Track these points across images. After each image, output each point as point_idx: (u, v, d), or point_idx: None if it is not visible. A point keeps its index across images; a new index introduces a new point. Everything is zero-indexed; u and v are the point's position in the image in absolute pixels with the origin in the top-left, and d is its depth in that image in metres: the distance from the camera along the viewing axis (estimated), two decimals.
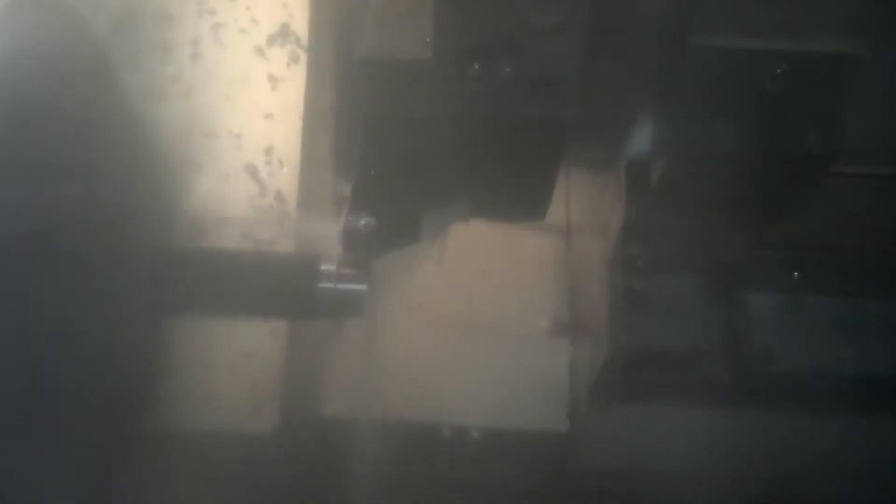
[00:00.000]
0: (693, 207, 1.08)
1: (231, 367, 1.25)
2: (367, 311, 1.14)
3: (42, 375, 0.97)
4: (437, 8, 0.94)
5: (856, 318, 1.14)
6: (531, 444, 1.37)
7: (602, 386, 1.23)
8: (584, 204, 1.39)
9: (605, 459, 1.36)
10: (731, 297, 1.14)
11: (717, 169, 1.04)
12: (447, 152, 1.01)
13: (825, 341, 1.13)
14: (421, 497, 1.35)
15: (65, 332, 1.00)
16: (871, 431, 1.27)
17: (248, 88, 1.31)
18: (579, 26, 0.94)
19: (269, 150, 1.30)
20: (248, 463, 1.23)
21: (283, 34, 1.33)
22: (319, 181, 1.28)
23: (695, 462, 1.31)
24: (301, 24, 1.34)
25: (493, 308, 1.41)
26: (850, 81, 0.97)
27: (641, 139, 1.05)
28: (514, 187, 1.09)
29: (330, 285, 1.12)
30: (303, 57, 1.33)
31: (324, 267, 1.12)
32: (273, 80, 1.32)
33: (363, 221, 1.07)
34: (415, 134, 0.99)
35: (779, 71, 0.96)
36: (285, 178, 1.30)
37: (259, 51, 1.32)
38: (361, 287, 1.13)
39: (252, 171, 1.29)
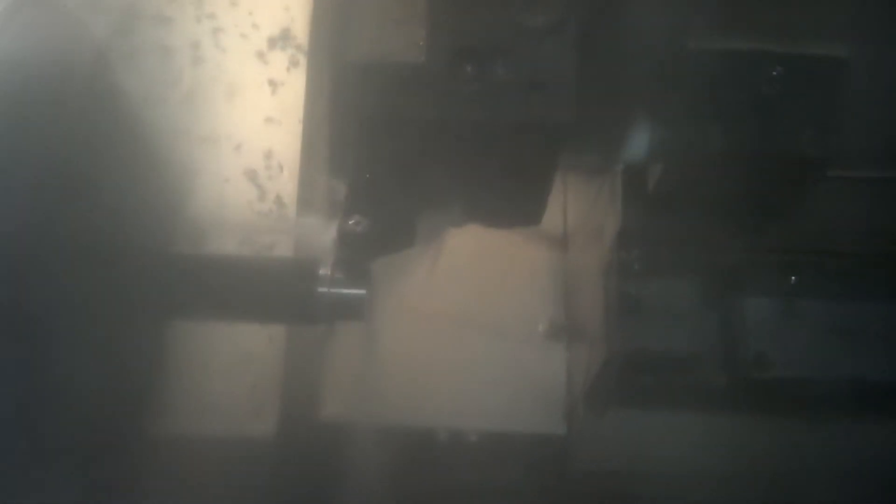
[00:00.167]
0: (689, 211, 1.08)
1: (231, 370, 1.25)
2: (367, 315, 1.14)
3: (42, 379, 0.97)
4: (430, 11, 0.93)
5: (852, 323, 1.13)
6: (528, 447, 1.37)
7: (599, 389, 1.22)
8: (581, 208, 1.39)
9: (602, 462, 1.36)
10: (728, 301, 1.14)
11: (714, 172, 1.04)
12: (442, 156, 1.01)
13: (822, 345, 1.13)
14: (419, 500, 1.36)
15: (64, 335, 1.00)
16: (867, 436, 1.27)
17: (249, 92, 1.31)
18: (574, 29, 0.93)
19: (268, 155, 1.30)
20: (247, 465, 1.23)
21: (283, 38, 1.33)
22: (319, 186, 1.28)
23: (691, 465, 1.31)
24: (302, 28, 1.34)
25: (490, 312, 1.41)
26: (845, 85, 0.97)
27: (638, 142, 1.05)
28: (510, 191, 1.09)
29: (329, 290, 1.12)
30: (303, 61, 1.33)
31: (323, 271, 1.12)
32: (273, 84, 1.32)
33: (358, 225, 1.07)
34: (409, 137, 0.98)
35: (775, 74, 0.97)
36: (285, 182, 1.30)
37: (260, 55, 1.32)
38: (361, 291, 1.13)
39: (252, 175, 1.29)
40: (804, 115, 0.98)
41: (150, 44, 1.29)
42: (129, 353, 1.12)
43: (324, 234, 1.14)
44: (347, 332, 1.35)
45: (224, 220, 1.27)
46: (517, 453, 1.37)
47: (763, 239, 1.12)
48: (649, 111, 1.02)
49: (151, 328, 1.18)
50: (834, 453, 1.29)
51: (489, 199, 1.12)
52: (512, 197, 1.10)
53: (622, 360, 1.15)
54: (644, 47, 0.97)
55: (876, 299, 1.14)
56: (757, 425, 1.26)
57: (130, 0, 1.29)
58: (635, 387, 1.17)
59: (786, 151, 1.00)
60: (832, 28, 0.96)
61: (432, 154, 1.01)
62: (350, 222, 1.06)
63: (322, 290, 1.12)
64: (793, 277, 1.13)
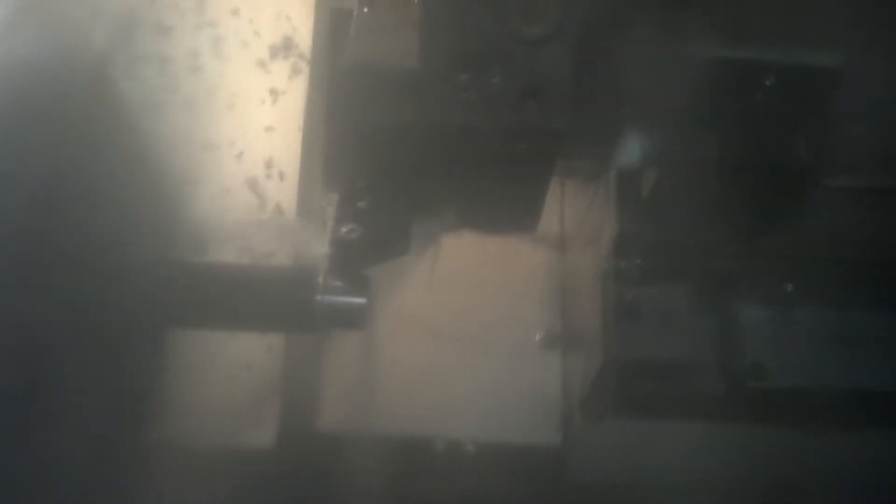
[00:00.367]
0: (685, 220, 1.08)
1: (230, 379, 1.25)
2: (366, 324, 1.14)
3: (41, 387, 0.97)
4: (425, 17, 0.94)
5: (849, 331, 1.13)
6: (524, 456, 1.37)
7: (595, 398, 1.22)
8: (578, 215, 1.39)
9: (599, 471, 1.36)
10: (724, 308, 1.14)
11: (709, 180, 1.04)
12: (438, 163, 1.01)
13: (818, 354, 1.13)
14: None
15: (64, 344, 1.00)
16: (864, 444, 1.26)
17: (249, 101, 1.32)
18: (569, 37, 0.93)
19: (269, 164, 1.30)
20: (246, 474, 1.23)
21: (285, 47, 1.34)
22: (319, 194, 1.29)
23: (688, 473, 1.30)
24: (304, 36, 1.35)
25: (485, 320, 1.41)
26: (839, 93, 0.97)
27: (632, 150, 1.05)
28: (505, 198, 1.09)
29: (329, 298, 1.12)
30: (305, 69, 1.33)
31: (323, 280, 1.12)
32: (274, 93, 1.32)
33: (352, 233, 1.06)
34: (404, 144, 0.98)
35: (768, 83, 0.97)
36: (285, 191, 1.30)
37: (261, 63, 1.33)
38: (361, 300, 1.13)
39: (252, 183, 1.29)
40: (797, 124, 0.99)
41: (151, 52, 1.30)
42: (128, 362, 1.12)
43: (324, 244, 1.14)
44: (345, 341, 1.35)
45: (224, 228, 1.27)
46: (514, 462, 1.37)
47: (759, 247, 1.12)
48: (644, 119, 1.02)
49: (151, 336, 1.19)
50: (830, 462, 1.29)
51: (485, 207, 1.12)
52: (508, 204, 1.10)
53: (618, 368, 1.15)
54: (638, 55, 0.97)
55: (872, 308, 1.14)
56: (753, 433, 1.26)
57: (131, 8, 1.30)
58: (631, 395, 1.16)
59: (780, 160, 1.00)
60: (826, 37, 0.96)
61: (428, 161, 1.01)
62: (344, 230, 1.06)
63: (322, 298, 1.12)
64: (789, 285, 1.13)
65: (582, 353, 1.29)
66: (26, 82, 0.98)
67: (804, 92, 0.96)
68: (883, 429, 1.22)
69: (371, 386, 1.36)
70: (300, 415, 1.34)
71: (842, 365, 1.12)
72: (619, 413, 1.20)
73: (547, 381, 1.39)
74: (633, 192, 1.11)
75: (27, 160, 0.96)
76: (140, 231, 1.15)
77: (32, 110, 0.98)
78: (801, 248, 1.12)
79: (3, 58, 0.97)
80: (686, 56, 0.96)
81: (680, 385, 1.14)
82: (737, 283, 1.14)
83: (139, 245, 1.14)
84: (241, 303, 1.16)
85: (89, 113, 1.07)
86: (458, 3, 0.93)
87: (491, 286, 1.43)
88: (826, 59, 0.96)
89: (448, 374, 1.38)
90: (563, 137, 0.98)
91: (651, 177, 1.07)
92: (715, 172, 1.02)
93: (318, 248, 1.13)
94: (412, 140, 0.97)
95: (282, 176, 1.30)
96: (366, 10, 0.96)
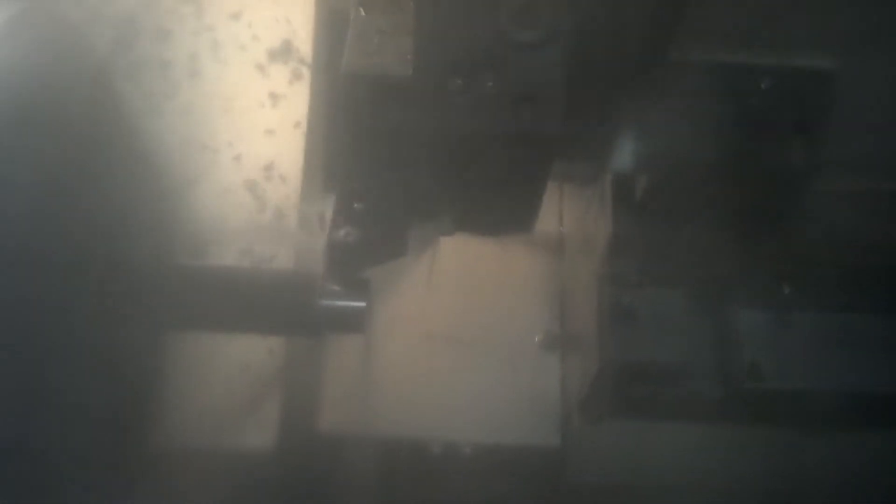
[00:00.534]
0: (682, 222, 1.09)
1: (229, 381, 1.25)
2: (366, 327, 1.14)
3: (41, 390, 0.97)
4: (419, 24, 0.94)
5: (845, 333, 1.13)
6: (523, 458, 1.37)
7: (593, 400, 1.22)
8: (575, 219, 1.39)
9: (597, 473, 1.36)
10: (721, 311, 1.14)
11: (706, 183, 1.04)
12: (433, 167, 1.02)
13: (815, 356, 1.13)
14: None
15: (63, 347, 1.00)
16: (861, 446, 1.26)
17: (249, 104, 1.32)
18: (562, 42, 0.94)
19: (269, 167, 1.30)
20: (245, 475, 1.23)
21: (285, 51, 1.34)
22: (319, 198, 1.29)
23: (686, 476, 1.31)
24: (304, 40, 1.35)
25: (484, 323, 1.41)
26: (834, 96, 0.97)
27: (627, 154, 1.05)
28: (500, 202, 1.09)
29: (329, 302, 1.12)
30: (306, 73, 1.33)
31: (322, 283, 1.12)
32: (274, 96, 1.32)
33: (349, 236, 1.07)
34: (401, 149, 0.99)
35: (763, 86, 0.97)
36: (285, 194, 1.30)
37: (260, 67, 1.33)
38: (361, 304, 1.13)
39: (252, 187, 1.29)
40: (793, 127, 0.99)
41: (151, 56, 1.30)
42: (128, 365, 1.12)
43: (323, 247, 1.14)
44: (345, 343, 1.35)
45: (224, 231, 1.27)
46: (512, 465, 1.37)
47: (756, 249, 1.12)
48: (638, 123, 1.03)
49: (151, 339, 1.19)
50: (828, 464, 1.29)
51: (480, 211, 1.12)
52: (504, 207, 1.11)
53: (617, 370, 1.15)
54: (632, 59, 0.97)
55: (869, 310, 1.14)
56: (751, 435, 1.26)
57: (131, 13, 1.30)
58: (630, 397, 1.16)
59: (775, 162, 1.00)
60: (821, 40, 0.96)
61: (424, 166, 1.01)
62: (340, 233, 1.06)
63: (321, 302, 1.12)
64: (786, 288, 1.14)
65: (580, 355, 1.29)
66: (27, 86, 0.98)
67: (800, 95, 0.97)
68: (880, 430, 1.22)
69: (371, 388, 1.36)
70: (300, 416, 1.34)
71: (839, 366, 1.12)
72: (617, 415, 1.20)
73: (546, 383, 1.39)
74: (629, 196, 1.11)
75: (27, 163, 0.96)
76: (141, 234, 1.16)
77: (33, 114, 0.98)
78: (797, 251, 1.12)
79: (4, 62, 0.97)
80: (681, 59, 0.97)
81: (678, 387, 1.14)
82: (734, 286, 1.14)
83: (139, 248, 1.15)
84: (240, 306, 1.16)
85: (90, 117, 1.07)
86: (452, 8, 0.93)
87: (490, 289, 1.43)
88: (821, 61, 0.96)
89: (447, 376, 1.38)
90: (558, 141, 0.98)
91: (646, 181, 1.07)
92: (711, 176, 1.02)
93: (319, 252, 1.13)
94: (408, 145, 0.98)
95: (282, 179, 1.30)
96: (362, 12, 0.96)
